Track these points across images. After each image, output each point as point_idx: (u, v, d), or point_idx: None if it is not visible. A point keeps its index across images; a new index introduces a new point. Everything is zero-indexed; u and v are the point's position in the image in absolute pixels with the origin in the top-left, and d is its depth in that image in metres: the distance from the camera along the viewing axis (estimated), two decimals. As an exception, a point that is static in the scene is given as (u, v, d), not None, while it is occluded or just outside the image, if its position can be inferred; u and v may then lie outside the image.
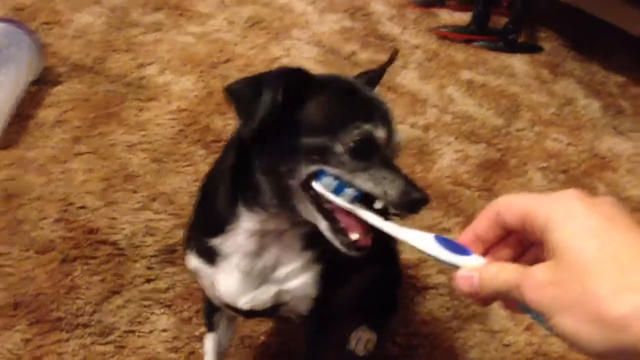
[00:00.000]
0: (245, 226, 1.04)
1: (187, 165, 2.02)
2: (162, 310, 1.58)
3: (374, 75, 1.13)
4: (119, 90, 2.31)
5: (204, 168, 2.00)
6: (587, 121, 2.80)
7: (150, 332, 1.53)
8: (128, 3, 2.89)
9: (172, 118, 2.21)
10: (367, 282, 1.45)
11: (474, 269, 0.65)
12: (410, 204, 0.89)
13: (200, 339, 1.53)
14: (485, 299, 0.65)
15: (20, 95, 2.12)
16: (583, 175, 2.45)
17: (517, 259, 0.66)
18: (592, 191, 2.31)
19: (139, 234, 1.76)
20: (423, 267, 1.87)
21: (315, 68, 2.61)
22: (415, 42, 3.13)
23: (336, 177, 0.91)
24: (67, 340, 1.46)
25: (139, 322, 1.55)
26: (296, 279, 1.09)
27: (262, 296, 1.10)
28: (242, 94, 0.94)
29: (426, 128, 2.49)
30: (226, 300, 1.13)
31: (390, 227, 0.78)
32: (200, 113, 2.26)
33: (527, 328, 1.76)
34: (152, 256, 1.70)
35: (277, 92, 0.90)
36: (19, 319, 1.48)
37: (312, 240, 1.06)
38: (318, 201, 0.93)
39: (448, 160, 2.34)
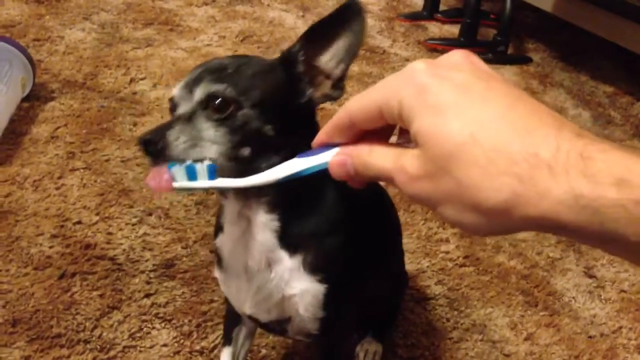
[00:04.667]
0: (227, 211, 1.05)
1: (183, 180, 2.00)
2: (162, 325, 1.57)
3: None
4: (112, 105, 2.30)
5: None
6: (578, 131, 2.81)
7: (151, 347, 1.52)
8: (118, 19, 2.89)
9: (166, 133, 2.20)
10: (376, 292, 1.44)
11: (346, 152, 0.59)
12: (139, 144, 0.91)
13: (201, 352, 1.52)
14: (365, 182, 0.61)
15: (13, 112, 2.11)
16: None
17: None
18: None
19: (137, 249, 1.74)
20: (422, 278, 1.87)
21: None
22: (405, 54, 3.15)
23: None
24: (68, 356, 1.44)
25: (140, 337, 1.53)
26: (295, 288, 1.06)
27: (265, 303, 1.08)
28: None
29: (419, 140, 2.49)
30: (237, 308, 1.13)
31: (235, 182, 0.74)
32: (193, 127, 2.25)
33: (527, 338, 1.76)
34: (150, 271, 1.69)
35: None
36: (19, 336, 1.46)
37: (283, 234, 1.03)
38: None
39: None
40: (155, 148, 0.89)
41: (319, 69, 0.97)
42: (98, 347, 1.48)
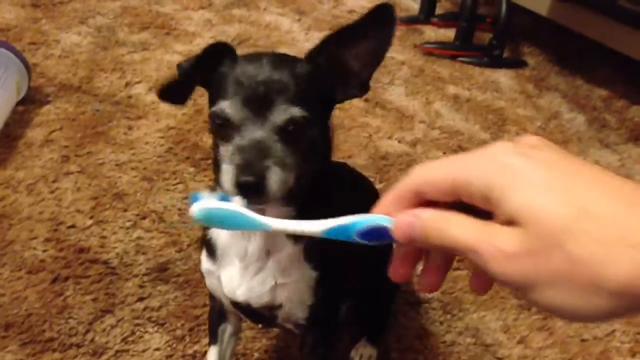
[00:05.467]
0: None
1: (177, 183, 2.01)
2: (155, 329, 1.57)
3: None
4: (107, 109, 2.30)
5: (194, 186, 2.00)
6: (573, 134, 2.82)
7: (144, 351, 1.52)
8: (114, 23, 2.89)
9: (161, 136, 2.21)
10: (368, 292, 1.45)
11: (416, 214, 0.54)
12: (239, 188, 0.86)
13: (194, 356, 1.53)
14: (420, 252, 0.56)
15: (7, 116, 2.11)
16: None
17: None
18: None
19: (130, 253, 1.75)
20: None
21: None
22: (401, 58, 3.15)
23: None
24: (61, 360, 1.45)
25: (132, 341, 1.53)
26: (290, 275, 1.09)
27: (259, 288, 1.10)
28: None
29: (414, 144, 2.50)
30: (228, 294, 1.13)
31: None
32: (188, 131, 2.26)
33: (520, 341, 1.76)
34: (144, 274, 1.69)
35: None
36: (11, 340, 1.47)
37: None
38: None
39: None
40: (256, 191, 0.87)
41: (347, 69, 0.99)
42: (90, 351, 1.49)
